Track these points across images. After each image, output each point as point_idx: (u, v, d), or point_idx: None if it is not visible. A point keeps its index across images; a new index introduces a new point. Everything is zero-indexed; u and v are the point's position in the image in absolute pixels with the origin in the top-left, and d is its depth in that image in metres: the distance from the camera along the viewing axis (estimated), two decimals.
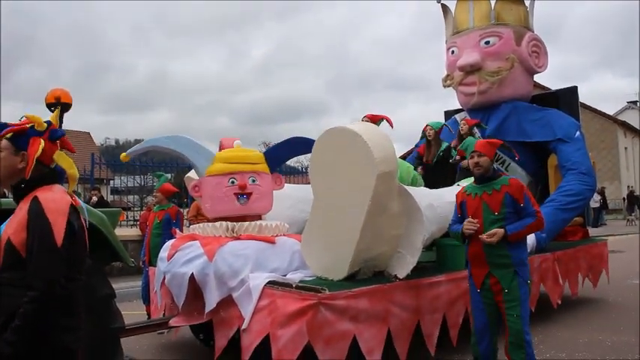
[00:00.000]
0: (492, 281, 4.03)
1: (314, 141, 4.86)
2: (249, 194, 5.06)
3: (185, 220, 13.93)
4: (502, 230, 3.92)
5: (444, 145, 7.63)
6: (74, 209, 2.33)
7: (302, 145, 5.38)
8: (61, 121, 4.13)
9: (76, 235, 2.31)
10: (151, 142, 5.48)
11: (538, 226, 4.07)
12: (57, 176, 2.43)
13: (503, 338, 4.07)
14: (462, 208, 4.28)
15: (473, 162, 4.17)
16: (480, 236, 3.98)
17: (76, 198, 2.45)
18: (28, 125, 2.38)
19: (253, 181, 5.10)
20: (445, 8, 9.44)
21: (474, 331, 4.20)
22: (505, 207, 4.00)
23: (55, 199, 2.26)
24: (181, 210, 7.50)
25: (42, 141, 2.36)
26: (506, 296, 3.96)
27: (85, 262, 2.42)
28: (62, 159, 2.48)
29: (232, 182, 5.05)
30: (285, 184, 5.68)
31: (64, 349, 2.26)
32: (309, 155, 4.92)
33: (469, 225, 4.04)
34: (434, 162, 7.57)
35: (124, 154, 5.46)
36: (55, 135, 2.45)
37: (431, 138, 7.64)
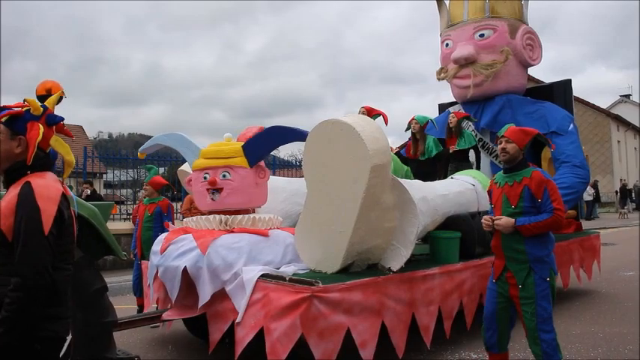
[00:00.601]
0: (508, 275, 3.93)
1: (293, 129, 4.82)
2: (220, 189, 5.03)
3: (178, 214, 13.93)
4: (509, 220, 3.80)
5: (429, 139, 7.61)
6: (65, 198, 2.31)
7: (280, 134, 5.16)
8: None
9: (65, 225, 2.28)
10: (155, 140, 5.84)
11: (554, 223, 3.76)
12: (51, 162, 2.41)
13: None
14: (490, 197, 4.19)
15: (500, 147, 3.98)
16: (494, 224, 3.88)
17: (67, 188, 2.42)
18: (24, 109, 2.36)
19: (224, 176, 5.03)
20: (440, 1, 9.41)
21: (483, 318, 4.12)
22: (523, 201, 3.83)
23: (47, 186, 2.24)
24: (172, 203, 7.50)
25: (40, 126, 2.34)
26: (522, 292, 3.84)
27: (73, 253, 2.39)
28: (59, 145, 2.47)
29: (205, 178, 5.07)
30: (279, 177, 5.66)
31: (53, 339, 2.24)
32: (303, 148, 4.88)
33: (486, 222, 3.95)
34: (422, 159, 7.58)
35: (139, 151, 6.04)
36: (52, 120, 2.42)
37: (416, 132, 7.65)
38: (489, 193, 4.23)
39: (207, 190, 5.04)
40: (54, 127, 2.45)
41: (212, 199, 5.04)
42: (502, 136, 4.03)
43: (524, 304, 3.83)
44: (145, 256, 6.75)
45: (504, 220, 3.82)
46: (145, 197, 7.26)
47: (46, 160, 2.38)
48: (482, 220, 4.01)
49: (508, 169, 4.00)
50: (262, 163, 5.26)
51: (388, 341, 4.49)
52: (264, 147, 5.16)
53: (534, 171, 3.91)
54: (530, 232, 3.78)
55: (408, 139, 8.29)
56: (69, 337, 2.93)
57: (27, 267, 2.09)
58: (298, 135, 4.94)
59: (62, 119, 2.48)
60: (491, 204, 4.13)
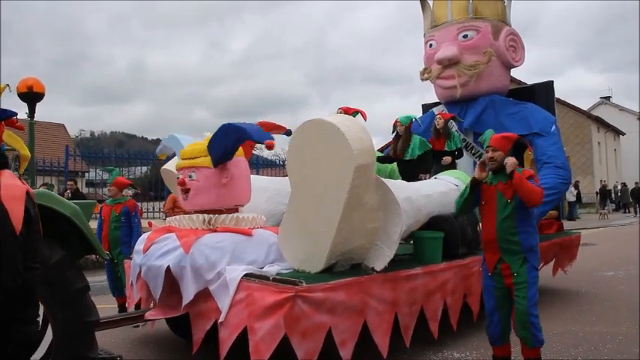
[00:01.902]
0: (503, 266, 4.28)
1: (244, 129, 4.69)
2: (187, 190, 5.02)
3: (161, 212, 13.83)
4: (514, 159, 4.23)
5: (414, 138, 7.58)
6: (29, 196, 2.26)
7: (234, 132, 4.88)
8: (33, 112, 4.05)
9: (33, 223, 2.24)
10: (163, 142, 6.02)
11: (538, 193, 4.14)
12: (6, 159, 2.33)
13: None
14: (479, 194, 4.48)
15: (488, 156, 4.36)
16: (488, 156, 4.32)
17: (26, 183, 2.35)
18: None
19: (190, 177, 5.00)
20: (423, 1, 9.46)
21: (486, 314, 4.47)
22: (516, 193, 4.20)
23: (10, 186, 2.17)
24: (153, 202, 7.59)
25: None
26: (515, 279, 4.21)
27: (40, 250, 2.34)
28: (13, 140, 2.40)
29: (177, 178, 5.11)
30: (263, 177, 5.64)
31: (27, 342, 2.19)
32: (287, 148, 4.86)
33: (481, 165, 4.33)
34: (408, 158, 7.56)
35: (159, 153, 6.25)
36: (2, 115, 2.34)
37: (402, 133, 7.64)
38: (478, 194, 4.46)
39: (181, 190, 5.05)
40: (3, 121, 2.36)
41: (184, 198, 5.07)
42: (488, 146, 4.40)
43: (518, 289, 4.19)
44: (112, 255, 6.92)
45: (510, 161, 4.23)
46: (109, 198, 7.35)
47: (3, 159, 2.31)
48: (479, 165, 4.35)
49: (498, 171, 4.34)
50: (229, 163, 5.03)
51: (373, 341, 4.51)
52: (221, 146, 4.94)
53: (524, 170, 4.41)
54: (519, 182, 4.11)
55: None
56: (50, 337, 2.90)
57: (4, 270, 2.04)
58: (254, 134, 4.74)
59: (14, 114, 2.40)
60: (481, 201, 4.42)
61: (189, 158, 5.07)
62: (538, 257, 4.37)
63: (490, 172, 4.41)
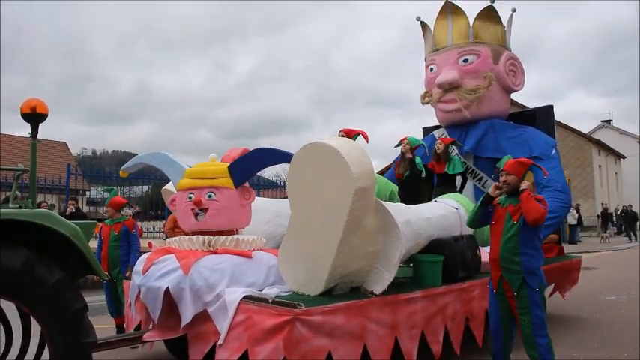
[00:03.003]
0: (505, 285, 4.50)
1: (279, 151, 4.84)
2: (205, 210, 5.03)
3: (161, 233, 13.79)
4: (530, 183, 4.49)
5: (417, 159, 7.63)
6: None
7: (267, 156, 5.18)
8: (36, 132, 4.09)
9: None
10: (139, 159, 5.81)
11: (542, 212, 4.29)
12: None
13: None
14: (490, 215, 4.71)
15: (502, 180, 4.59)
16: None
17: None
18: None
19: (210, 196, 5.04)
20: (424, 25, 9.54)
21: (490, 330, 4.68)
22: (522, 215, 4.39)
23: None
24: (152, 222, 7.64)
25: None
26: (517, 302, 4.42)
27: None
28: None
29: (190, 198, 5.07)
30: (263, 198, 5.66)
31: None
32: (287, 169, 4.89)
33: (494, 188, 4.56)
34: (405, 177, 7.60)
35: (121, 170, 5.93)
36: None
37: (405, 152, 7.66)
38: (491, 208, 4.72)
39: (192, 210, 5.03)
40: None
41: (196, 219, 5.03)
42: (502, 170, 4.63)
43: (521, 313, 4.39)
44: (112, 275, 6.91)
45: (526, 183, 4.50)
46: (107, 219, 7.38)
47: None
48: (495, 185, 4.60)
49: (512, 194, 4.55)
50: (247, 184, 5.27)
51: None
52: (250, 168, 5.19)
53: (534, 196, 4.53)
54: (526, 199, 4.34)
55: (392, 162, 8.29)
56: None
57: None
58: (284, 157, 4.95)
59: None
60: (492, 221, 4.65)
61: (208, 178, 5.09)
62: (541, 280, 4.47)
63: (503, 196, 4.64)
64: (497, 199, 4.67)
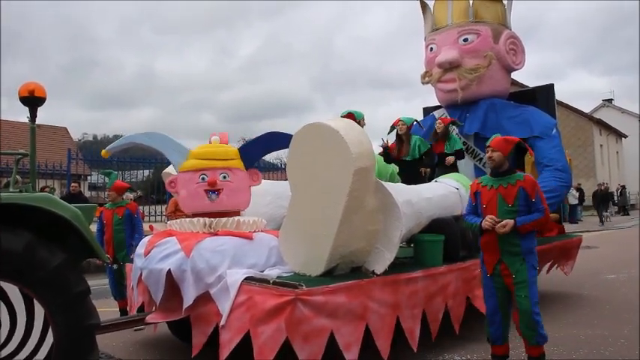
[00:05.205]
0: (502, 267, 4.39)
1: (289, 135, 4.86)
2: (219, 191, 5.05)
3: (163, 216, 13.81)
4: (512, 222, 4.25)
5: (414, 138, 7.57)
6: None
7: (278, 140, 5.31)
8: (34, 116, 4.06)
9: None
10: (129, 139, 5.51)
11: (544, 221, 4.39)
12: None
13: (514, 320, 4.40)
14: (476, 198, 4.59)
15: (487, 156, 4.53)
16: (496, 228, 4.28)
17: None
18: None
19: (224, 177, 5.08)
20: (424, 5, 9.47)
21: (486, 314, 4.59)
22: (518, 200, 4.34)
23: None
24: (154, 205, 7.58)
25: None
26: (515, 279, 4.32)
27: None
28: None
29: (202, 179, 5.06)
30: (264, 181, 5.65)
31: None
32: (287, 151, 4.90)
33: (490, 222, 4.31)
34: (408, 159, 7.55)
35: (104, 150, 5.55)
36: None
37: (402, 133, 7.61)
38: (477, 194, 4.57)
39: (206, 191, 5.03)
40: None
41: (210, 199, 5.05)
42: (488, 146, 4.54)
43: (519, 288, 4.29)
44: (117, 258, 6.89)
45: (508, 225, 4.25)
46: (108, 202, 7.34)
47: None
48: (487, 221, 4.34)
49: (499, 174, 4.48)
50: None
51: (373, 343, 4.51)
52: (260, 151, 5.31)
53: (526, 175, 4.50)
54: (525, 230, 4.30)
55: (381, 139, 8.11)
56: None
57: None
58: None
59: None
60: (482, 204, 4.49)
61: (221, 159, 5.13)
62: (536, 258, 4.47)
63: (489, 176, 4.57)
64: (480, 184, 4.58)
